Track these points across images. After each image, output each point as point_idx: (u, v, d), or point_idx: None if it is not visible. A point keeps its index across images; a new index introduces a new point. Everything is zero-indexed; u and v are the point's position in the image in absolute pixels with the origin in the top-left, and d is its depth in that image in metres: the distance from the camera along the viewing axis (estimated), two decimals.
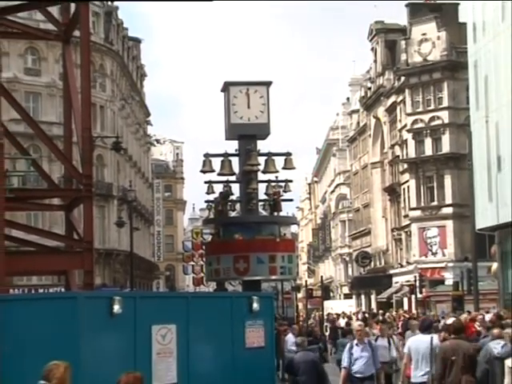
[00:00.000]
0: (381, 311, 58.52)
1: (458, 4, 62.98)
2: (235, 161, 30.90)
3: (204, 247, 45.92)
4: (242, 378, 14.40)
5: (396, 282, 76.10)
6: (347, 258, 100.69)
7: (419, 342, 16.82)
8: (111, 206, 67.79)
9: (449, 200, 68.18)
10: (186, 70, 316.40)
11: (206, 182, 31.74)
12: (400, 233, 76.85)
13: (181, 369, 13.26)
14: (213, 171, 31.35)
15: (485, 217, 45.90)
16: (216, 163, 31.09)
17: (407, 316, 47.14)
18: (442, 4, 71.68)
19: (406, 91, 71.90)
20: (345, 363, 18.48)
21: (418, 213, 70.59)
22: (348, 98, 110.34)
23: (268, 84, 31.44)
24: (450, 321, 27.31)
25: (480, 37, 48.26)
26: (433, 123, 69.47)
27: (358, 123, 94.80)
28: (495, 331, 15.94)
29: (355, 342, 18.63)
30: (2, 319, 12.54)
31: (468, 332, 23.12)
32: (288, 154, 31.54)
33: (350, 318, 54.43)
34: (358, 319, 44.90)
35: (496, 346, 14.78)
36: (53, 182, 27.46)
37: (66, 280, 25.60)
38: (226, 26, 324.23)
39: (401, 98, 74.12)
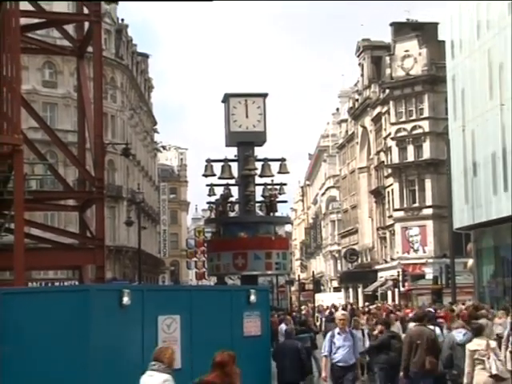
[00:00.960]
0: (367, 303, 58.58)
1: (438, 24, 63.11)
2: (234, 166, 30.96)
3: (206, 245, 45.94)
4: (240, 363, 14.35)
5: (381, 277, 76.11)
6: (336, 255, 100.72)
7: None
8: (121, 206, 67.73)
9: (429, 202, 68.24)
10: (190, 82, 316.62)
11: (207, 185, 31.78)
12: (385, 232, 76.87)
13: (184, 355, 13.25)
14: (214, 175, 31.39)
15: (461, 217, 45.96)
16: (217, 168, 31.17)
17: (391, 308, 47.07)
18: (423, 23, 71.81)
19: (391, 103, 71.95)
20: (325, 352, 17.27)
21: (401, 213, 70.64)
22: (337, 109, 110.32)
23: (264, 95, 31.47)
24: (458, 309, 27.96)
25: (457, 53, 48.33)
26: (414, 132, 69.56)
27: (347, 132, 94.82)
28: (459, 322, 17.30)
29: (337, 330, 17.23)
30: (19, 311, 12.53)
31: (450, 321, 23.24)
32: (283, 160, 31.58)
33: (337, 309, 54.32)
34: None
35: (458, 335, 16.10)
36: (68, 184, 27.48)
37: (79, 274, 25.65)
38: (227, 41, 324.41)
39: (385, 108, 74.15)
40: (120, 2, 70.65)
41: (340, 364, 16.99)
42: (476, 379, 14.21)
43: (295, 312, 50.07)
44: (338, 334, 17.10)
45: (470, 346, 14.61)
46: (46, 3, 34.38)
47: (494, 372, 14.05)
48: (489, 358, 14.10)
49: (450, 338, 16.47)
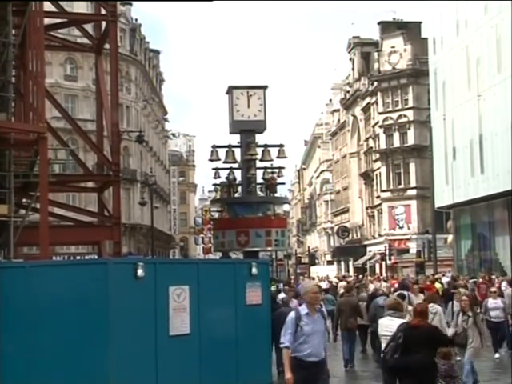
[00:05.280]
0: (356, 275, 58.64)
1: (421, 22, 62.92)
2: (237, 151, 30.87)
3: (212, 222, 45.85)
4: (242, 328, 14.46)
5: (370, 251, 76.22)
6: (329, 231, 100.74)
7: None
8: (135, 188, 67.75)
9: (413, 183, 68.25)
10: (198, 76, 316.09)
11: (213, 169, 31.65)
12: (373, 210, 76.90)
13: (193, 322, 13.30)
14: (219, 160, 31.27)
15: (442, 197, 46.08)
16: (221, 153, 31.07)
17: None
18: (407, 22, 71.62)
19: (378, 94, 71.82)
20: (286, 340, 10.39)
21: (387, 194, 70.66)
22: (330, 100, 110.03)
23: (265, 88, 31.34)
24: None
25: (439, 49, 48.32)
26: (400, 120, 69.48)
27: (339, 120, 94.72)
28: (382, 291, 20.79)
29: (304, 311, 10.55)
30: (44, 281, 12.60)
31: (431, 291, 23.70)
32: (281, 146, 31.47)
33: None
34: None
35: (380, 300, 18.76)
36: (87, 168, 27.51)
37: (98, 249, 25.71)
38: (230, 38, 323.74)
39: (374, 99, 74.02)
40: (134, 4, 70.93)
41: (311, 359, 10.47)
42: None
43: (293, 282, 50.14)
44: (307, 315, 10.52)
45: None
46: (66, 4, 34.38)
47: None
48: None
49: (375, 302, 19.17)
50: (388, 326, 12.24)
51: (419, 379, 10.25)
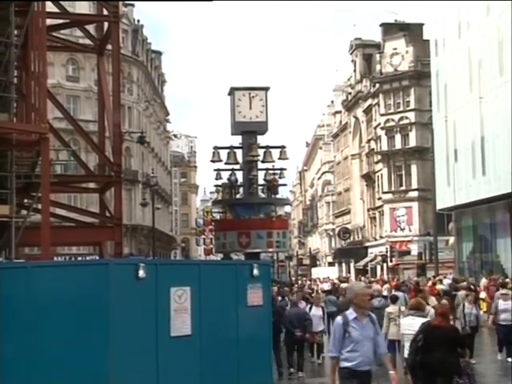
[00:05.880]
0: (359, 276, 58.61)
1: (423, 24, 62.91)
2: (239, 152, 30.95)
3: (213, 224, 45.88)
4: (244, 330, 14.45)
5: (371, 253, 76.18)
6: (331, 233, 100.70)
7: None
8: (137, 189, 67.74)
9: (414, 185, 68.18)
10: (199, 76, 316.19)
11: (215, 170, 31.78)
12: (374, 212, 76.86)
13: (194, 323, 13.29)
14: (220, 161, 31.40)
15: (444, 199, 46.03)
16: (223, 154, 31.15)
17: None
18: (409, 24, 71.58)
19: (380, 95, 71.79)
20: (335, 350, 9.58)
21: (389, 196, 70.61)
22: (332, 101, 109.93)
23: (266, 89, 31.45)
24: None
25: (441, 51, 48.29)
26: (402, 122, 69.43)
27: (341, 122, 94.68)
28: (377, 292, 21.35)
29: (352, 314, 9.68)
30: (45, 282, 12.59)
31: (432, 293, 23.98)
32: (283, 147, 31.57)
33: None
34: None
35: (375, 301, 19.36)
36: (89, 169, 27.53)
37: (99, 249, 25.73)
38: (232, 39, 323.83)
39: (376, 101, 73.99)
40: (136, 5, 71.04)
41: (362, 368, 9.57)
42: (390, 331, 17.44)
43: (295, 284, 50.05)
44: (355, 319, 9.66)
45: (388, 309, 18.12)
46: (68, 5, 34.41)
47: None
48: (399, 317, 17.22)
49: (370, 304, 19.11)
50: (410, 325, 13.28)
51: (438, 377, 10.81)
